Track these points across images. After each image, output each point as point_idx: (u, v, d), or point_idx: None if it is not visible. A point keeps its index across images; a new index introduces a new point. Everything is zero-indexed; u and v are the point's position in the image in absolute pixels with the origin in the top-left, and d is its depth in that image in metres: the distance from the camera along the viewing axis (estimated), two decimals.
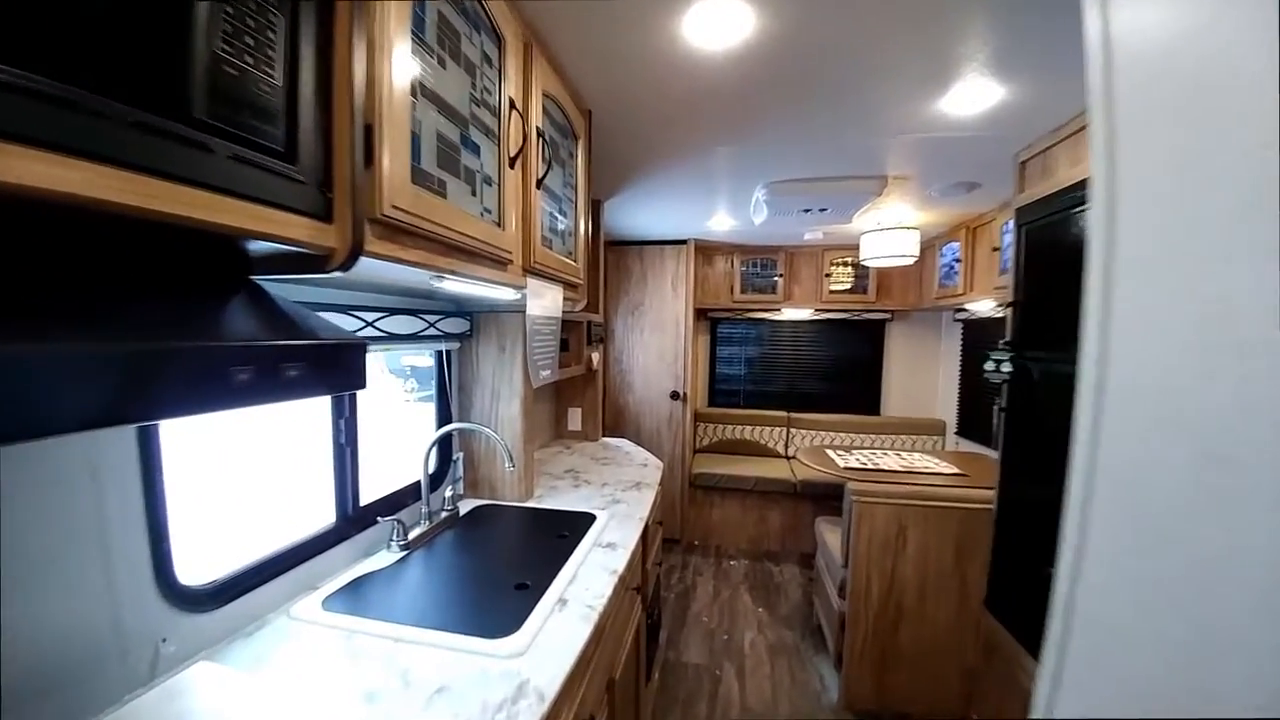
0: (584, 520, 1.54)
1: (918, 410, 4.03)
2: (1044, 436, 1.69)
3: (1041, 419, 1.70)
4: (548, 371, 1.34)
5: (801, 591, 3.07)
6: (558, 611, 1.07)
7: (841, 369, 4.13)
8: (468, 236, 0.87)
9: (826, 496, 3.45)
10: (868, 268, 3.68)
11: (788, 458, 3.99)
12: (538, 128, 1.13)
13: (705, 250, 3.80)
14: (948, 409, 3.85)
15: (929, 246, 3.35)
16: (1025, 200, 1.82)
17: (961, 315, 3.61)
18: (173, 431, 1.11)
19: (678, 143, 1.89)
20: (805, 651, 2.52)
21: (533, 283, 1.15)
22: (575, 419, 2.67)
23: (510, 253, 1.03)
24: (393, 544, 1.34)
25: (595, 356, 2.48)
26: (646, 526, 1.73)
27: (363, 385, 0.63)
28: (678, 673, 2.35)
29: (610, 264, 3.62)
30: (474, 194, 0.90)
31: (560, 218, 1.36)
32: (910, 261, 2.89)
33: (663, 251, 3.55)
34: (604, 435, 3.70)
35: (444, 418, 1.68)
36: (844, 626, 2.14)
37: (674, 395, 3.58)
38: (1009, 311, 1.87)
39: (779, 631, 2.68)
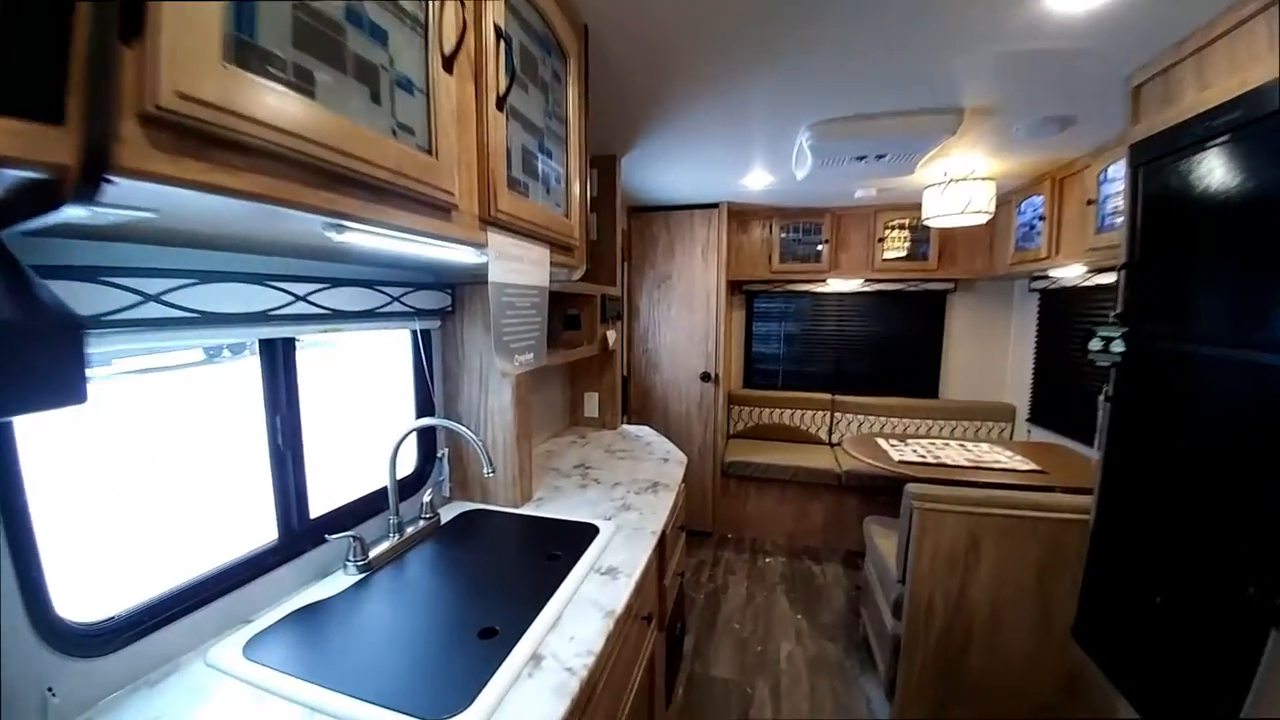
0: (584, 534, 1.28)
1: (982, 394, 3.58)
2: (1164, 434, 1.31)
3: (1161, 412, 1.32)
4: (528, 355, 1.06)
5: (845, 597, 2.75)
6: (528, 676, 0.81)
7: (894, 347, 3.70)
8: (364, 161, 0.58)
9: (876, 490, 3.09)
10: (927, 231, 3.22)
11: (831, 445, 3.64)
12: (497, 26, 0.83)
13: (740, 215, 3.42)
14: (1017, 392, 3.39)
15: (1004, 203, 2.86)
16: (1142, 134, 1.41)
17: (1039, 284, 3.12)
18: (62, 431, 0.90)
19: (703, 75, 1.54)
20: (850, 669, 2.22)
21: (497, 239, 0.87)
22: (592, 405, 2.41)
23: (450, 193, 0.74)
24: (349, 564, 1.12)
25: (611, 335, 2.19)
26: (664, 536, 1.46)
27: (72, 399, 0.37)
28: (704, 689, 2.11)
29: (634, 232, 3.31)
30: (376, 100, 0.62)
31: (544, 159, 1.06)
32: (983, 220, 2.46)
33: (692, 217, 3.20)
34: (627, 422, 3.44)
35: (424, 409, 1.44)
36: (898, 651, 1.83)
37: (705, 376, 3.27)
38: (1118, 277, 1.47)
39: (820, 644, 2.38)
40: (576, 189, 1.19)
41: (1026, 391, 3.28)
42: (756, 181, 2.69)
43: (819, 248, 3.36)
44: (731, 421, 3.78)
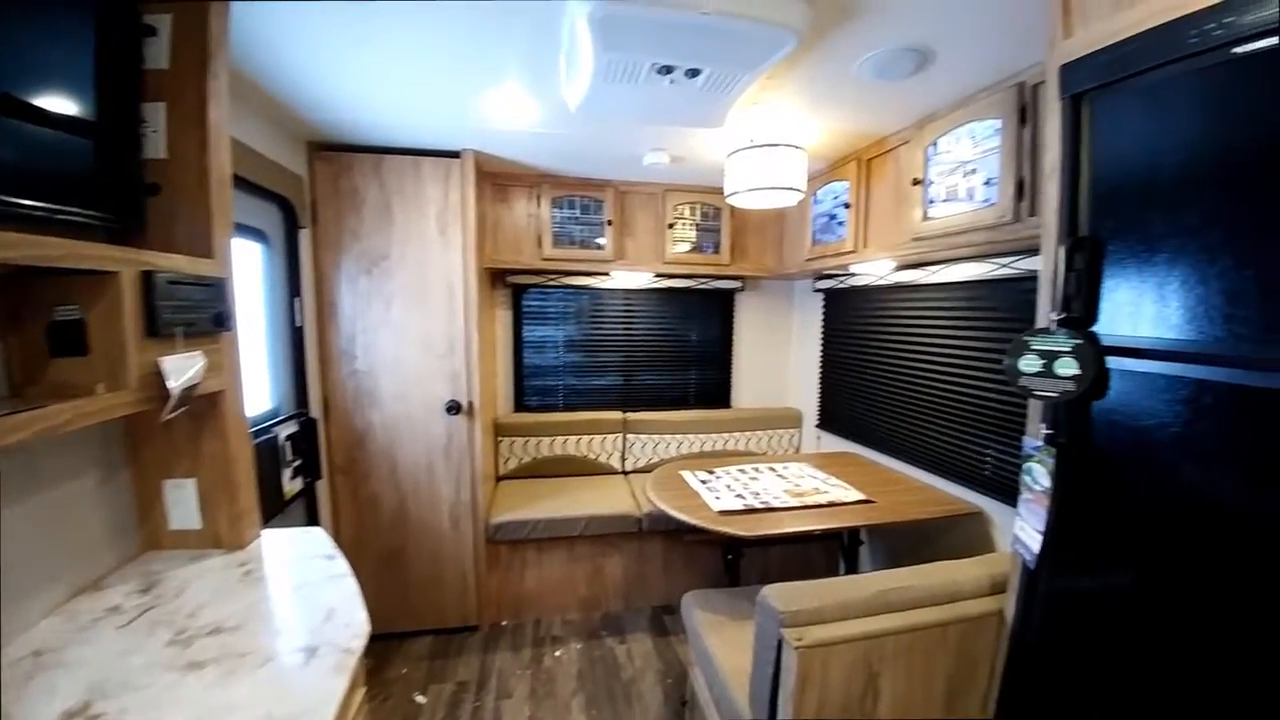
0: None
1: (771, 400, 3.34)
2: (1138, 500, 0.85)
3: (1135, 468, 0.86)
4: None
5: (662, 690, 2.06)
6: None
7: (687, 352, 3.22)
8: None
9: (682, 529, 2.50)
10: (715, 221, 2.77)
11: (625, 473, 2.97)
12: None
13: (496, 178, 2.47)
14: (802, 396, 3.21)
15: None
16: (1083, 49, 0.92)
17: (824, 284, 2.93)
18: None
19: None
20: None
21: None
22: (184, 503, 1.18)
23: None
24: None
25: (190, 364, 1.02)
26: None
27: None
28: None
29: (321, 183, 2.06)
30: None
31: None
32: (797, 199, 1.99)
33: (419, 169, 2.12)
34: (329, 493, 2.11)
35: None
36: None
37: (452, 408, 2.23)
38: (1052, 262, 0.99)
39: None
40: None
41: (810, 395, 3.10)
42: (513, 113, 1.77)
43: (601, 236, 2.62)
44: (501, 460, 2.82)
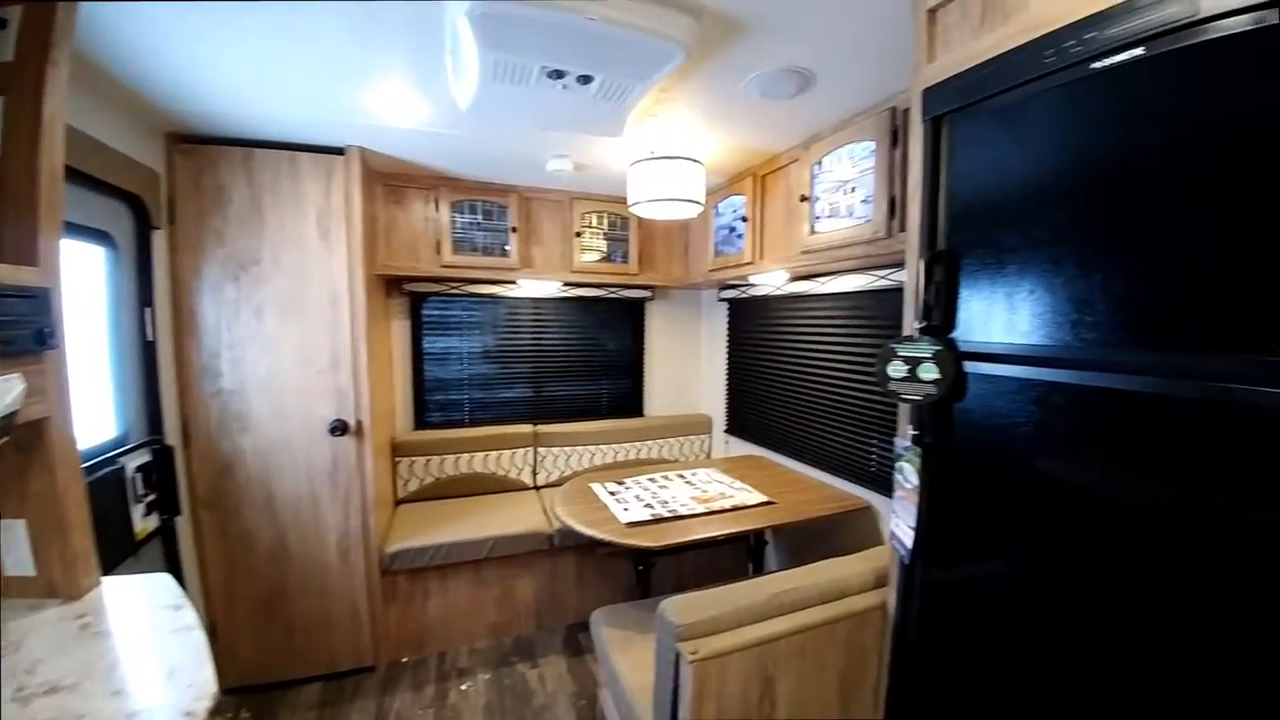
0: None
1: (682, 406, 3.40)
2: (999, 492, 0.93)
3: (994, 465, 0.94)
4: None
5: (575, 715, 1.99)
6: None
7: (599, 361, 3.19)
8: None
9: (595, 540, 2.46)
10: (624, 231, 2.78)
11: (537, 488, 2.88)
12: None
13: (387, 178, 2.31)
14: (711, 403, 3.30)
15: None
16: (945, 72, 1.00)
17: (728, 294, 3.03)
18: None
19: None
20: None
21: None
22: (20, 551, 0.97)
23: None
24: None
25: (7, 389, 0.85)
26: None
27: None
28: None
29: (181, 178, 1.82)
30: None
31: None
32: (696, 211, 2.05)
33: (296, 165, 1.93)
34: (194, 525, 1.78)
35: None
36: None
37: (337, 428, 2.04)
38: (915, 274, 1.07)
39: None
40: None
41: (719, 401, 3.19)
42: (400, 110, 1.67)
43: (506, 243, 2.54)
44: (400, 482, 2.62)
